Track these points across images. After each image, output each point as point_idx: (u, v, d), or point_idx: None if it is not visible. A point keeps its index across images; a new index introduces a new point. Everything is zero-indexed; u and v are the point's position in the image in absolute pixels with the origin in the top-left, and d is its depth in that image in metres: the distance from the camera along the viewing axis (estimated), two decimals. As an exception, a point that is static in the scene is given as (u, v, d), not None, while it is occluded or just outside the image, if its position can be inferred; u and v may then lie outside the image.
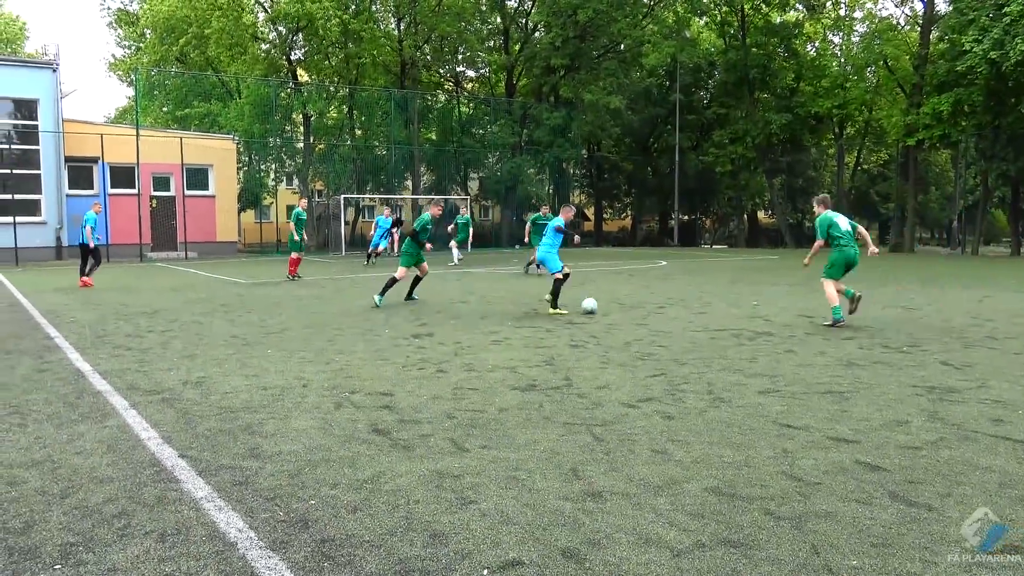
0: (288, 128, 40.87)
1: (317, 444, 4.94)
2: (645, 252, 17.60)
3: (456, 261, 24.65)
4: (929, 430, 5.20)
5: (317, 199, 43.50)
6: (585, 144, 47.94)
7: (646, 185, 50.86)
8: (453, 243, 25.13)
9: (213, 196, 33.28)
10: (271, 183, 39.32)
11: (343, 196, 36.22)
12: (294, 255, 18.82)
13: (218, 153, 33.16)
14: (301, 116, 40.34)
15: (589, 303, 11.72)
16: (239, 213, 38.22)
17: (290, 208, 49.16)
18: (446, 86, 47.82)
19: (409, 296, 13.59)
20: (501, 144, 41.92)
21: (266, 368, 7.44)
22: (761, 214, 59.72)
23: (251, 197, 38.93)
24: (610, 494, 4.04)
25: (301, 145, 40.45)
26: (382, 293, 12.68)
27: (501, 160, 42.81)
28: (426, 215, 13.07)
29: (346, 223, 39.91)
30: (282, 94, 38.28)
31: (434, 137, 44.41)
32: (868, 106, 41.48)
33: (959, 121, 33.63)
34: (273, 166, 39.07)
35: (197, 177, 32.97)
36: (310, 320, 11.06)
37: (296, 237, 18.57)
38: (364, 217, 50.11)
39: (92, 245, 17.50)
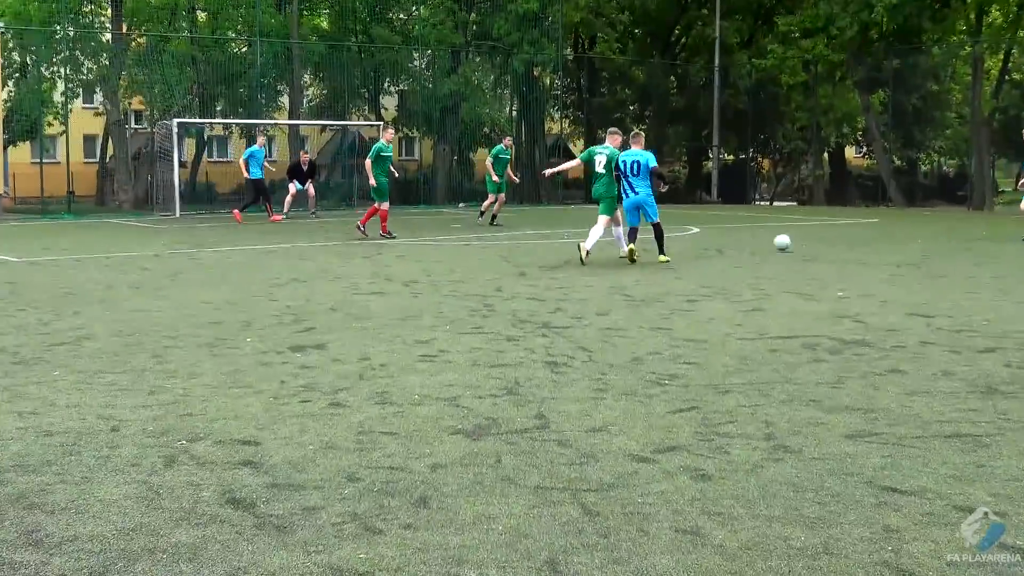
0: (88, 10, 40.22)
1: (136, 524, 4.89)
2: (667, 212, 17.45)
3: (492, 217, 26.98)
4: (1112, 494, 5.31)
5: (134, 126, 43.01)
6: (571, 40, 47.93)
7: (667, 105, 51.08)
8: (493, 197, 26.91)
9: (-38, 121, 32.79)
10: (60, 99, 38.72)
11: (176, 120, 35.77)
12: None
13: (-30, 50, 32.64)
14: (108, -10, 39.81)
15: (782, 240, 18.36)
16: (5, 148, 37.60)
17: (123, 139, 48.80)
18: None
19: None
20: (435, 41, 41.71)
21: (52, 401, 7.36)
22: (851, 152, 60.36)
23: (26, 122, 38.31)
24: (610, 600, 4.07)
25: (108, 38, 39.85)
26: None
27: (435, 66, 42.61)
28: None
29: (182, 164, 39.43)
30: (77, -46, 37.76)
31: (325, 27, 44.13)
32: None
33: None
34: (63, 72, 38.47)
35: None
36: (125, 323, 10.95)
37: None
38: (211, 155, 49.66)
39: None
